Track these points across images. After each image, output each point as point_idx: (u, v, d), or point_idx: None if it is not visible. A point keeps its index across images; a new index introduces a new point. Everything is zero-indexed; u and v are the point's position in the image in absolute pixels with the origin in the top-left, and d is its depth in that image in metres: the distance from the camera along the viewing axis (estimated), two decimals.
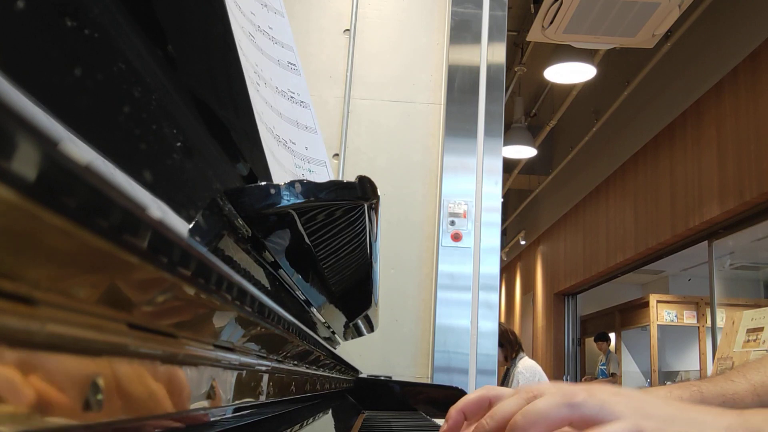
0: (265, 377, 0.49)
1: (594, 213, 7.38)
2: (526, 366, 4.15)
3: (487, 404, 0.56)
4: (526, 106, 7.20)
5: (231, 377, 0.38)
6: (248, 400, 0.43)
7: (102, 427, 0.20)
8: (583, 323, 9.02)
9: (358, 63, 2.65)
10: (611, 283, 7.74)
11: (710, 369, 4.55)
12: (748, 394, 0.58)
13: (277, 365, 0.53)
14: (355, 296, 1.01)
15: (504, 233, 10.16)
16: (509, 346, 4.16)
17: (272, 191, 0.46)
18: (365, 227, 0.65)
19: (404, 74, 2.66)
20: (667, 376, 7.88)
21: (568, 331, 8.78)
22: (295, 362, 0.64)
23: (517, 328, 10.40)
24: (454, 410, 0.58)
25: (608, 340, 8.07)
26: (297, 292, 0.71)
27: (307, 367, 0.72)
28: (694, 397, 0.57)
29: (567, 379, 8.00)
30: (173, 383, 0.27)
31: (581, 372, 8.70)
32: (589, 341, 8.54)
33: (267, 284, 0.54)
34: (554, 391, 0.48)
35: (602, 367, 8.03)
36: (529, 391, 0.50)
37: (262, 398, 0.48)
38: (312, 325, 0.79)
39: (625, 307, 8.48)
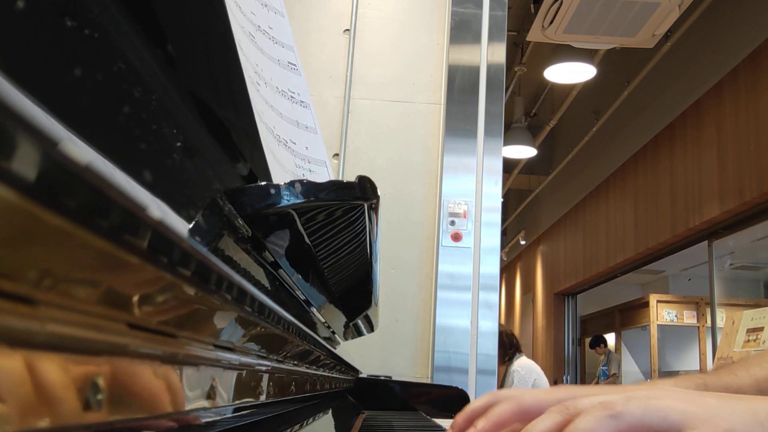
0: (265, 377, 0.49)
1: (594, 213, 7.38)
2: (522, 364, 4.14)
3: None
4: (526, 106, 7.20)
5: (231, 377, 0.38)
6: (248, 400, 0.43)
7: (102, 427, 0.20)
8: (583, 323, 9.02)
9: (358, 63, 2.65)
10: (611, 283, 7.74)
11: (710, 369, 4.55)
12: (752, 389, 0.58)
13: (277, 365, 0.52)
14: (355, 296, 1.01)
15: (504, 233, 10.16)
16: (501, 349, 4.14)
17: (272, 191, 0.46)
18: (365, 227, 0.65)
19: (404, 74, 2.66)
20: (667, 376, 7.88)
21: (568, 331, 8.78)
22: (295, 362, 0.64)
23: (517, 328, 10.40)
24: (461, 417, 0.55)
25: (603, 342, 8.06)
26: (297, 292, 0.71)
27: (307, 367, 0.72)
28: (700, 390, 0.56)
29: (567, 380, 7.99)
30: (173, 383, 0.27)
31: (581, 372, 8.69)
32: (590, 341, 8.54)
33: (267, 284, 0.54)
34: (590, 405, 0.44)
35: (603, 368, 8.03)
36: (564, 408, 0.46)
37: (262, 398, 0.48)
38: (312, 325, 0.79)
39: (625, 307, 8.48)
